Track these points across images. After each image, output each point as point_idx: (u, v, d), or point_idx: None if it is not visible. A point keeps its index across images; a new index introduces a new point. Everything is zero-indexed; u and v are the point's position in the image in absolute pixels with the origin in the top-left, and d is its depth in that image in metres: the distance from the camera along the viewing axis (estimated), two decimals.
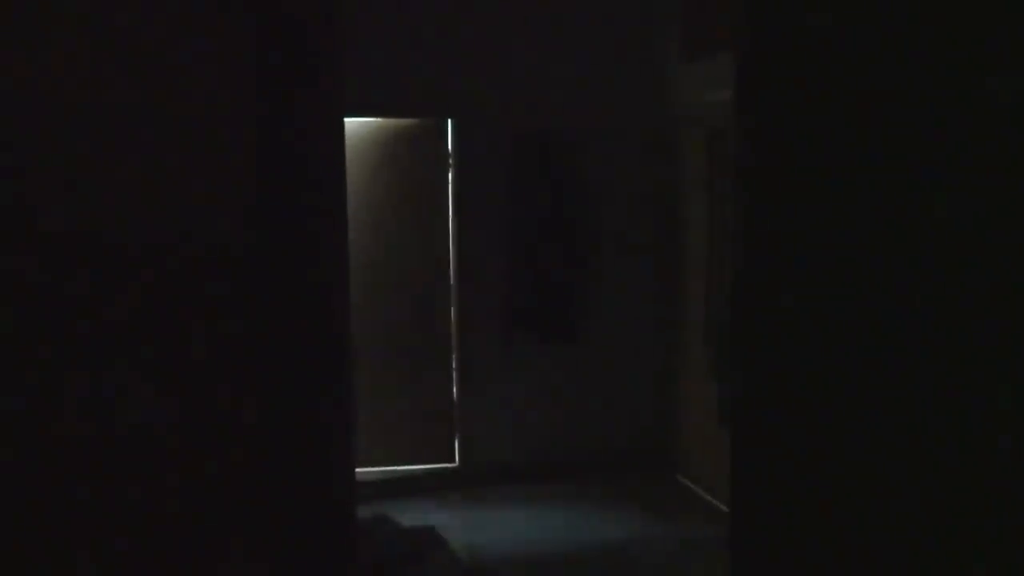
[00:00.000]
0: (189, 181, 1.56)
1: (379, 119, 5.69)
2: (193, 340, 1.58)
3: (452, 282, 5.46)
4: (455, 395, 5.54)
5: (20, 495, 1.52)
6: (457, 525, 4.90)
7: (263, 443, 1.64)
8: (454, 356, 5.51)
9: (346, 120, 5.91)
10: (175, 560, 1.62)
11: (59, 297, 1.53)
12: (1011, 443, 1.56)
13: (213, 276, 1.58)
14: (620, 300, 5.68)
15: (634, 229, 5.66)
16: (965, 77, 1.66)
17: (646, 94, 5.55)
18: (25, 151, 1.47)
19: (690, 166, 5.32)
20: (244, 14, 1.55)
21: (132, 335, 1.56)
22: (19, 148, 1.46)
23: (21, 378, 1.50)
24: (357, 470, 5.17)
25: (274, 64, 1.57)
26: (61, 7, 1.48)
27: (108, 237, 1.55)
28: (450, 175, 5.38)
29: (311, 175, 1.62)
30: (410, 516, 4.91)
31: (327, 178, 1.67)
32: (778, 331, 2.22)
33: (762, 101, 2.23)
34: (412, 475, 5.51)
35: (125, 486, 1.57)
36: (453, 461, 5.59)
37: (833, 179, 2.01)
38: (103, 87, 1.50)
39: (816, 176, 2.06)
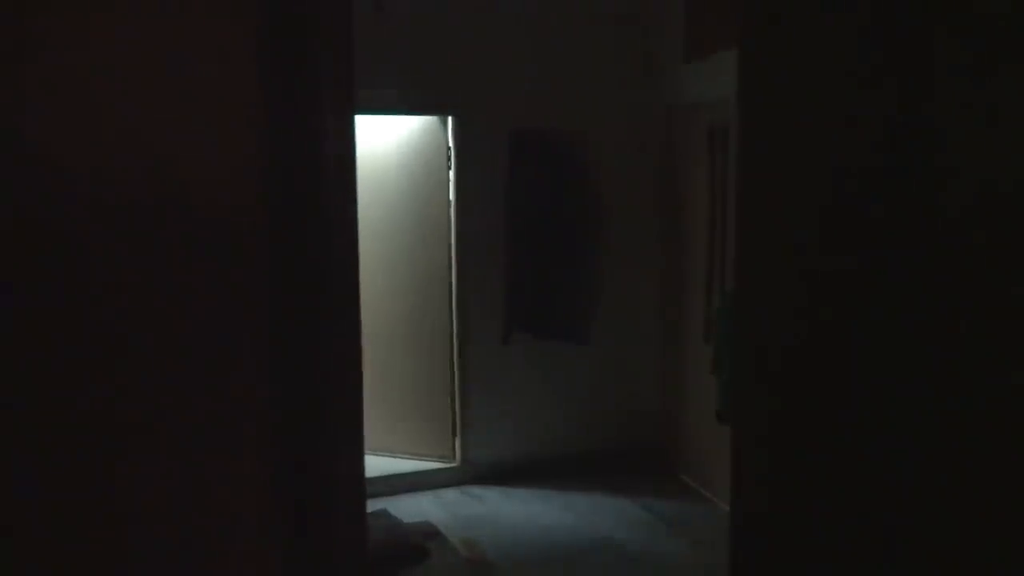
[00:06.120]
0: (194, 163, 1.55)
1: (381, 116, 5.68)
2: (198, 323, 1.57)
3: (453, 279, 5.45)
4: (455, 392, 5.54)
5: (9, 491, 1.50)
6: (457, 522, 4.90)
7: (270, 434, 1.63)
8: (454, 353, 5.51)
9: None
10: (179, 554, 1.61)
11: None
12: (1010, 443, 1.56)
13: (221, 257, 1.57)
14: (621, 298, 5.68)
15: (634, 226, 5.65)
16: (966, 74, 1.66)
17: (647, 91, 5.54)
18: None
19: (691, 163, 5.31)
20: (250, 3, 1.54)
21: (133, 322, 1.55)
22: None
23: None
24: None
25: (283, 47, 1.56)
26: None
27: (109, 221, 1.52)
28: (451, 173, 5.38)
29: (322, 163, 1.61)
30: (409, 512, 4.91)
31: (338, 167, 1.66)
32: (777, 330, 2.22)
33: (764, 98, 2.22)
34: (412, 472, 5.51)
35: (119, 478, 1.55)
36: (453, 458, 5.59)
37: (833, 176, 2.01)
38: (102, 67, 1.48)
39: (816, 174, 2.06)
